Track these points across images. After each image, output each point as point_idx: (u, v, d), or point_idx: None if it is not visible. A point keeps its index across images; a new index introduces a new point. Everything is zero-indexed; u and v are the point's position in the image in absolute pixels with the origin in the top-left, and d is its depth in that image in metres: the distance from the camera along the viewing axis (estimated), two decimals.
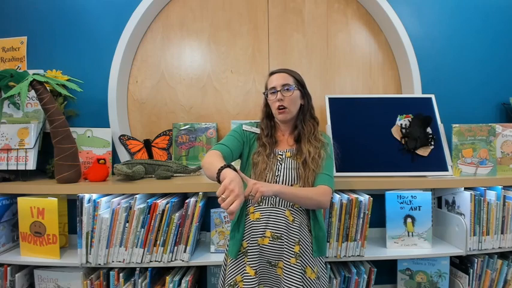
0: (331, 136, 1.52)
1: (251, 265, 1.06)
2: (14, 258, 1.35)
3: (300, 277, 1.03)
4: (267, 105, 1.21)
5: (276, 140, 1.18)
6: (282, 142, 1.19)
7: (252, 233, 1.09)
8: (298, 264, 1.04)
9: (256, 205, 1.11)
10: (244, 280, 1.05)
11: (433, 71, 1.74)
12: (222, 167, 0.92)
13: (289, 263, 1.04)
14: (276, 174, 1.11)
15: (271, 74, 1.18)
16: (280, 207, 1.10)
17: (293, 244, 1.06)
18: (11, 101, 1.51)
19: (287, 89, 1.12)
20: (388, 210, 1.42)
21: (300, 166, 1.10)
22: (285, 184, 1.10)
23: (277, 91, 1.12)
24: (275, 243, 1.07)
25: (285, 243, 1.06)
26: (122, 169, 1.38)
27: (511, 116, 1.74)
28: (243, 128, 1.21)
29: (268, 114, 1.21)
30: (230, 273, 1.10)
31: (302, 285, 1.03)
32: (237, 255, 1.09)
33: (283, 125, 1.20)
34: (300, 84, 1.17)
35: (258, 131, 1.20)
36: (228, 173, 0.89)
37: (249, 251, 1.08)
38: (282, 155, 1.14)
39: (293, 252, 1.05)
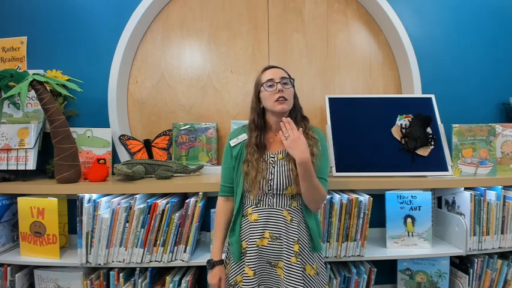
0: (330, 136, 1.52)
1: (250, 266, 1.06)
2: (14, 258, 1.35)
3: (301, 276, 1.03)
4: (258, 102, 1.15)
5: (265, 145, 1.13)
6: (274, 143, 1.15)
7: (251, 234, 1.09)
8: (298, 262, 1.05)
9: (254, 206, 1.11)
10: (244, 281, 1.05)
11: (433, 71, 1.74)
12: (208, 266, 1.14)
13: (289, 263, 1.04)
14: (270, 178, 1.08)
15: (266, 69, 1.15)
16: (278, 207, 1.09)
17: (292, 243, 1.06)
18: (11, 101, 1.51)
19: (285, 83, 1.10)
20: (388, 210, 1.42)
21: (293, 167, 1.07)
22: (279, 187, 1.08)
23: (276, 83, 1.08)
24: (274, 243, 1.07)
25: (284, 243, 1.06)
26: (122, 169, 1.38)
27: (511, 116, 1.74)
28: (231, 145, 1.16)
29: (259, 113, 1.15)
30: (231, 273, 1.11)
31: (303, 284, 1.03)
32: (240, 257, 1.10)
33: (277, 122, 1.12)
34: (292, 84, 1.15)
35: (246, 137, 1.16)
36: (210, 276, 1.13)
37: (248, 251, 1.08)
38: (273, 157, 1.11)
39: (293, 252, 1.05)
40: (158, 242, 1.30)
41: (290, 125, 1.04)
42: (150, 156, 1.68)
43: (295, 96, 1.16)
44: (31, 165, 1.45)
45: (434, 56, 1.75)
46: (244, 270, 1.07)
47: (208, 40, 1.77)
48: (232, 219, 1.16)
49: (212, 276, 1.12)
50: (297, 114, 1.16)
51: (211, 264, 1.13)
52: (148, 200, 1.32)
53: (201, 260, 1.35)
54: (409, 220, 1.42)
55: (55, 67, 1.65)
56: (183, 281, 1.35)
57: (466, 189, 1.43)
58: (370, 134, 1.54)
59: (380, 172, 1.47)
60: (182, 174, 1.58)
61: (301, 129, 1.06)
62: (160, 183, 1.38)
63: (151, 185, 1.36)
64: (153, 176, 1.53)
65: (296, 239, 1.07)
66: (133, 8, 1.66)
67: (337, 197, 1.35)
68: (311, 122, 1.20)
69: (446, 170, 1.48)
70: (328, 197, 1.31)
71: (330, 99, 1.62)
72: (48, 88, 1.39)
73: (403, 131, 1.54)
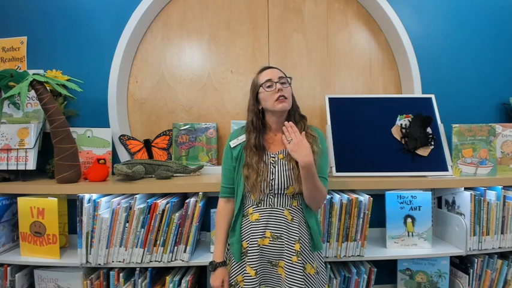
0: (330, 136, 1.52)
1: (251, 265, 1.06)
2: (14, 258, 1.36)
3: (302, 275, 1.04)
4: (256, 103, 1.14)
5: (264, 146, 1.12)
6: (274, 143, 1.15)
7: (252, 234, 1.09)
8: (299, 262, 1.05)
9: (254, 206, 1.11)
10: (245, 280, 1.06)
11: (433, 71, 1.74)
12: (210, 268, 1.14)
13: (290, 262, 1.05)
14: (271, 178, 1.08)
15: (262, 70, 1.15)
16: (278, 207, 1.09)
17: (293, 243, 1.06)
18: (11, 101, 1.51)
19: (283, 82, 1.10)
20: (388, 210, 1.42)
21: (294, 166, 1.08)
22: (281, 187, 1.08)
23: (275, 82, 1.09)
24: (275, 243, 1.07)
25: (286, 242, 1.07)
26: (122, 169, 1.38)
27: (511, 116, 1.74)
28: (231, 146, 1.16)
29: (257, 114, 1.14)
30: (232, 273, 1.11)
31: (303, 283, 1.03)
32: (241, 257, 1.10)
33: (277, 122, 1.13)
34: (290, 83, 1.14)
35: (245, 138, 1.15)
36: (213, 279, 1.13)
37: (249, 251, 1.08)
38: (274, 157, 1.11)
39: (294, 251, 1.06)
40: (158, 242, 1.30)
41: (292, 129, 1.05)
42: (150, 156, 1.68)
43: (293, 95, 1.17)
44: (31, 165, 1.45)
45: (434, 56, 1.75)
46: (245, 270, 1.07)
47: (208, 40, 1.77)
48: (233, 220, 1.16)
49: (215, 278, 1.12)
50: (295, 113, 1.16)
51: (214, 266, 1.13)
52: (148, 200, 1.32)
53: (201, 260, 1.35)
54: (409, 220, 1.42)
55: (55, 67, 1.65)
56: (183, 281, 1.35)
57: (466, 189, 1.43)
58: (370, 134, 1.54)
59: (380, 172, 1.47)
60: (182, 174, 1.58)
61: (303, 132, 1.07)
62: (160, 183, 1.38)
63: (151, 185, 1.36)
64: (153, 176, 1.53)
65: (297, 238, 1.07)
66: (133, 8, 1.66)
67: (337, 197, 1.35)
68: (311, 122, 1.20)
69: (446, 170, 1.48)
70: (328, 197, 1.31)
71: (330, 99, 1.62)
72: (48, 88, 1.39)
73: (403, 131, 1.54)
